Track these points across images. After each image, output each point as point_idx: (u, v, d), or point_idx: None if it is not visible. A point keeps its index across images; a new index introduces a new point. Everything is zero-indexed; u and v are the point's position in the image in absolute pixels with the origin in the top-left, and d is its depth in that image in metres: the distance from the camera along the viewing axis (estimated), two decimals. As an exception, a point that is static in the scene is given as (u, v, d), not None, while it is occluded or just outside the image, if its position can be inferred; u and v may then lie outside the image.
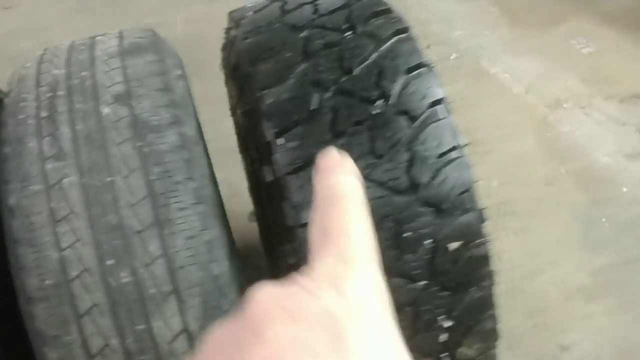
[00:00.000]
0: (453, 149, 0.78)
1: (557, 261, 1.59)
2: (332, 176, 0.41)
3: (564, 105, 2.06)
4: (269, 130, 0.79)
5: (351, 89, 0.80)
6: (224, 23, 1.06)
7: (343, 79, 0.81)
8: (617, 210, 1.70)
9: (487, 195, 1.77)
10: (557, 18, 2.42)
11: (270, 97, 0.81)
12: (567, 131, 1.96)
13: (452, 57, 2.32)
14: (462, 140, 0.81)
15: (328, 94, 0.80)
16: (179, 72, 0.92)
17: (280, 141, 0.78)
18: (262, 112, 0.80)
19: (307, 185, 0.76)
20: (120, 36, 0.95)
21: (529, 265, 1.58)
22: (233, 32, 0.95)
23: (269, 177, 0.80)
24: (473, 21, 2.47)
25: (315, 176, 0.44)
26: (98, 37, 0.96)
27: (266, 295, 0.33)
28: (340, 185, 0.41)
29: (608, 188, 1.77)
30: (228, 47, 0.96)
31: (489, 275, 0.83)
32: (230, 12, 1.02)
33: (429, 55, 2.29)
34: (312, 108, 0.78)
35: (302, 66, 0.82)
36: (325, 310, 0.32)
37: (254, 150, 0.85)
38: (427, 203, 0.77)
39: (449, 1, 2.61)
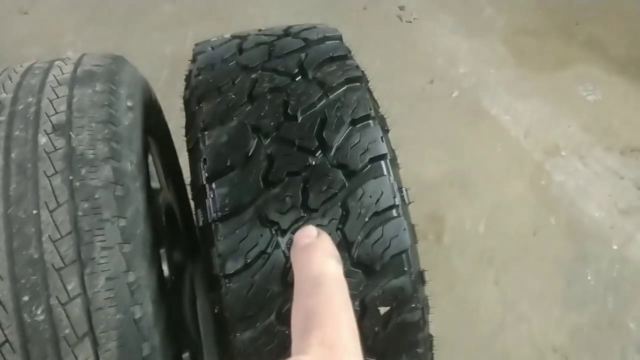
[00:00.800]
0: (391, 207, 0.75)
1: (535, 316, 1.53)
2: (312, 258, 0.41)
3: (562, 153, 2.01)
4: (203, 173, 0.77)
5: (291, 138, 0.77)
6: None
7: (285, 125, 0.78)
8: (604, 267, 1.64)
9: (471, 240, 1.74)
10: (565, 62, 2.38)
11: (208, 139, 0.79)
12: (562, 180, 1.91)
13: (453, 95, 2.29)
14: (402, 199, 0.77)
15: (267, 141, 0.77)
16: (130, 103, 0.90)
17: (212, 185, 0.75)
18: (200, 154, 0.78)
19: (234, 235, 0.74)
20: (78, 62, 0.94)
21: (505, 317, 1.53)
22: (191, 67, 0.94)
23: (200, 221, 0.78)
24: (479, 59, 2.44)
25: (292, 254, 0.42)
26: (57, 62, 0.95)
27: None
28: (321, 269, 0.40)
29: (597, 243, 1.71)
30: (186, 81, 0.95)
31: (424, 342, 0.79)
32: (195, 44, 1.01)
33: (431, 91, 2.27)
34: (247, 154, 0.76)
35: (245, 109, 0.80)
36: None
37: (192, 192, 0.82)
38: (358, 263, 0.73)
39: (457, 37, 2.59)
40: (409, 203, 0.80)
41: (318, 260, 0.42)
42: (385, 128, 0.84)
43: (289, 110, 0.79)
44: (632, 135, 2.03)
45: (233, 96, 0.82)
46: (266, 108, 0.80)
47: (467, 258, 1.67)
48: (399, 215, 0.75)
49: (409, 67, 2.45)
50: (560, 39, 2.49)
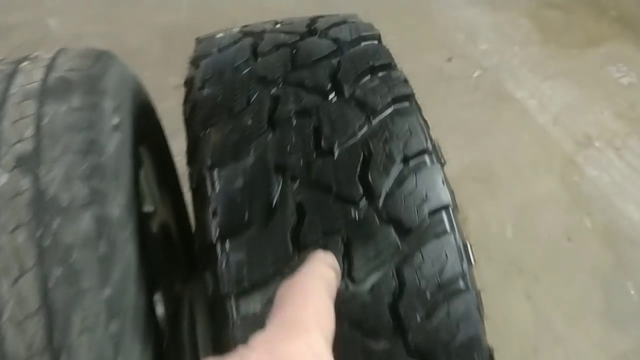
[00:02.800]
0: (458, 278, 0.58)
1: (571, 337, 1.38)
2: (312, 262, 0.44)
3: (595, 144, 1.83)
4: (213, 230, 0.59)
5: (327, 182, 0.59)
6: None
7: (318, 164, 0.60)
8: (647, 278, 1.48)
9: (499, 247, 1.57)
10: (595, 39, 2.18)
11: (219, 181, 0.60)
12: (597, 176, 1.74)
13: (474, 75, 2.09)
14: (469, 261, 0.60)
15: (295, 185, 0.59)
16: (116, 120, 0.71)
17: (224, 247, 0.58)
18: (208, 201, 0.60)
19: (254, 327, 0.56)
20: (50, 65, 0.75)
21: (538, 338, 1.38)
22: (192, 72, 0.74)
23: (209, 288, 0.60)
24: (502, 35, 2.23)
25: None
26: (23, 64, 0.76)
27: None
28: (313, 268, 0.43)
29: (638, 250, 1.54)
30: (188, 84, 0.75)
31: None
32: (197, 40, 0.81)
33: (450, 70, 2.06)
34: (270, 205, 0.58)
35: (265, 140, 0.61)
36: None
37: (199, 251, 0.64)
38: (416, 350, 0.56)
39: (478, 11, 2.37)
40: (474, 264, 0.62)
41: (316, 265, 0.44)
42: (442, 161, 0.65)
43: (322, 143, 0.61)
44: (672, 124, 1.86)
45: (249, 122, 0.63)
46: (292, 139, 0.62)
47: (495, 266, 1.51)
48: (467, 288, 0.58)
49: (426, 43, 2.24)
50: (590, 15, 2.28)
